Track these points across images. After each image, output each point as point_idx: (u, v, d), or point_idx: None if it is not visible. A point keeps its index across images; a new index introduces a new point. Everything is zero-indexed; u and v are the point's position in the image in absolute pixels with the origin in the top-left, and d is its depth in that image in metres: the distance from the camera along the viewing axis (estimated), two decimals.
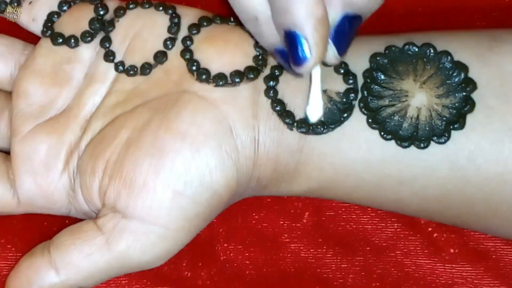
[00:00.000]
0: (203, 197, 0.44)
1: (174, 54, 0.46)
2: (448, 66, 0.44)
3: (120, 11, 0.48)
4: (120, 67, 0.47)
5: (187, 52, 0.46)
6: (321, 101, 0.44)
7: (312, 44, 0.41)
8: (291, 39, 0.41)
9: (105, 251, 0.44)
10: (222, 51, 0.46)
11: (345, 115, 0.44)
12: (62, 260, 0.44)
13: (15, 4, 0.49)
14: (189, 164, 0.43)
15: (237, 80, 0.45)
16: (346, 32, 0.42)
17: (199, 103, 0.44)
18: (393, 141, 0.44)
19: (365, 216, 0.50)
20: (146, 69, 0.46)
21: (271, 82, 0.45)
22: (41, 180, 0.46)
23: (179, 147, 0.44)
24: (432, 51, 0.45)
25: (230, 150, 0.44)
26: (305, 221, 0.50)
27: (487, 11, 0.51)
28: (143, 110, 0.45)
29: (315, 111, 0.44)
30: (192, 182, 0.43)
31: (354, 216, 0.50)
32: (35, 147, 0.46)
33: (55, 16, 0.48)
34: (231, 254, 0.50)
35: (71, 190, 0.46)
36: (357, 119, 0.44)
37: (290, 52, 0.41)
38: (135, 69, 0.46)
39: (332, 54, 0.42)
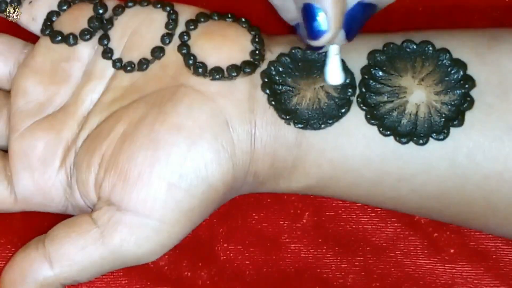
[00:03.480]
0: (198, 190, 0.44)
1: (171, 49, 0.46)
2: (446, 64, 0.44)
3: (118, 9, 0.48)
4: (118, 64, 0.47)
5: (184, 47, 0.46)
6: (340, 67, 0.44)
7: (330, 16, 0.41)
8: (309, 12, 0.41)
9: (100, 244, 0.44)
10: (219, 46, 0.46)
11: (343, 110, 0.44)
12: (56, 253, 0.44)
13: (15, 4, 0.49)
14: (184, 156, 0.43)
15: (233, 74, 0.45)
16: (357, 17, 0.43)
17: (195, 96, 0.45)
18: (391, 137, 0.44)
19: (365, 216, 0.50)
20: (143, 64, 0.46)
21: (266, 78, 0.45)
22: (38, 177, 0.46)
23: (174, 140, 0.44)
24: (430, 48, 0.45)
25: (226, 143, 0.44)
26: (305, 221, 0.50)
27: (487, 11, 0.52)
28: (139, 104, 0.45)
29: (335, 75, 0.44)
30: (187, 175, 0.43)
31: (354, 216, 0.50)
32: (33, 143, 0.46)
33: (55, 15, 0.49)
34: (231, 254, 0.50)
35: (68, 186, 0.46)
36: (356, 115, 0.44)
37: (307, 25, 0.42)
38: (133, 65, 0.46)
39: (340, 36, 0.43)
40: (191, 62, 0.45)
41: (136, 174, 0.44)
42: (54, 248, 0.44)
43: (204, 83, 0.45)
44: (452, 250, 0.50)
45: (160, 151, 0.44)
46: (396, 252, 0.50)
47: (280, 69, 0.45)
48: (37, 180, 0.46)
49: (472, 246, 0.50)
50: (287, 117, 0.44)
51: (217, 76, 0.45)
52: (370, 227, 0.50)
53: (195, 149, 0.44)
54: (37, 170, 0.46)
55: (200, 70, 0.45)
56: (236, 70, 0.45)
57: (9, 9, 0.49)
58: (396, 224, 0.50)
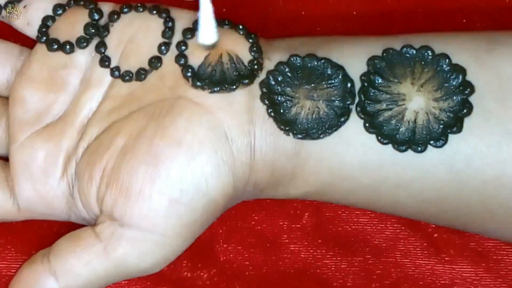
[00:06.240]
0: (199, 204, 0.44)
1: (169, 59, 0.46)
2: (446, 69, 0.44)
3: (114, 16, 0.47)
4: (116, 72, 0.46)
5: (181, 58, 0.46)
6: (214, 24, 0.43)
7: None
8: None
9: (104, 259, 0.44)
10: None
11: (342, 119, 0.44)
12: (61, 268, 0.44)
13: (11, 7, 0.48)
14: (184, 171, 0.43)
15: (232, 86, 0.45)
16: None
17: (194, 109, 0.44)
18: (390, 145, 0.43)
19: (364, 217, 0.50)
20: (141, 74, 0.46)
21: (265, 89, 0.45)
22: (40, 187, 0.46)
23: (174, 155, 0.44)
24: (430, 53, 0.44)
25: (225, 156, 0.44)
26: (304, 222, 0.50)
27: (488, 12, 0.51)
28: (139, 116, 0.45)
29: (208, 34, 0.43)
30: (188, 190, 0.43)
31: (354, 217, 0.50)
32: (33, 154, 0.46)
33: (50, 20, 0.48)
34: (231, 255, 0.50)
35: (70, 196, 0.46)
36: (354, 123, 0.44)
37: None
38: (131, 75, 0.46)
39: None
40: (189, 74, 0.45)
41: (137, 190, 0.44)
42: (59, 263, 0.45)
43: (202, 95, 0.45)
44: (452, 251, 0.50)
45: (160, 166, 0.44)
46: (396, 252, 0.50)
47: (279, 79, 0.45)
48: (39, 191, 0.46)
49: (472, 247, 0.50)
50: (287, 128, 0.44)
51: (216, 89, 0.45)
52: (369, 227, 0.50)
53: (195, 163, 0.44)
54: (39, 181, 0.46)
55: (198, 82, 0.45)
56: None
57: (4, 13, 0.49)
58: (395, 225, 0.50)
